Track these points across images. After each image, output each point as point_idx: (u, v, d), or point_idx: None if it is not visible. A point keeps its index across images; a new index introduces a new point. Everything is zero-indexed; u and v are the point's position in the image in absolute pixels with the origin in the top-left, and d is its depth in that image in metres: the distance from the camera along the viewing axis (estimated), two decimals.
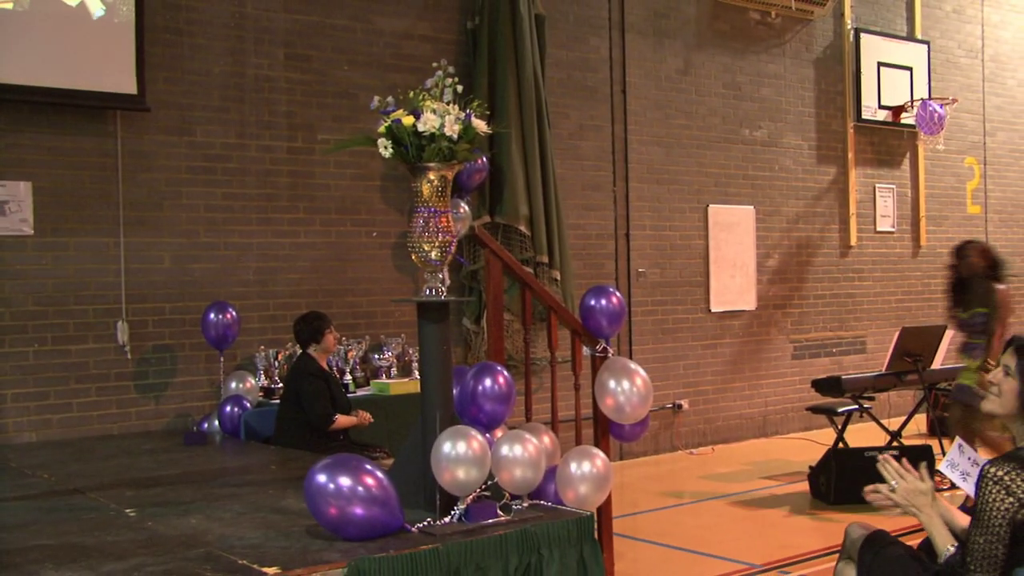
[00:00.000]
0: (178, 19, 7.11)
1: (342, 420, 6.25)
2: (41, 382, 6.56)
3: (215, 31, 7.26)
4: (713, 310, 9.96)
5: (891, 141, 11.61)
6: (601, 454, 4.44)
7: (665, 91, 9.67)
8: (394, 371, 7.54)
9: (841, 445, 7.85)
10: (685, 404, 9.70)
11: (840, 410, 8.04)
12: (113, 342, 6.80)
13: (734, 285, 10.15)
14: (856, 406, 8.04)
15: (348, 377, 7.24)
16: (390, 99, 4.14)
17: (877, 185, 11.47)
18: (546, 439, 4.69)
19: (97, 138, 6.81)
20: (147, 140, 6.98)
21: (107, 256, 6.80)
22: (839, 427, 7.98)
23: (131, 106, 6.81)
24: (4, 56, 6.32)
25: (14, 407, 6.47)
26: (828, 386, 8.13)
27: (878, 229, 11.48)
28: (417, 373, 7.30)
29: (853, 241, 11.17)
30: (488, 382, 4.38)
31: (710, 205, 9.97)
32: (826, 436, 8.85)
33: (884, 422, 8.34)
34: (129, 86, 6.75)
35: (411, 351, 7.57)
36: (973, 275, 7.13)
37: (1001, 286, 7.07)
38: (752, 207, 10.33)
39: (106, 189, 6.81)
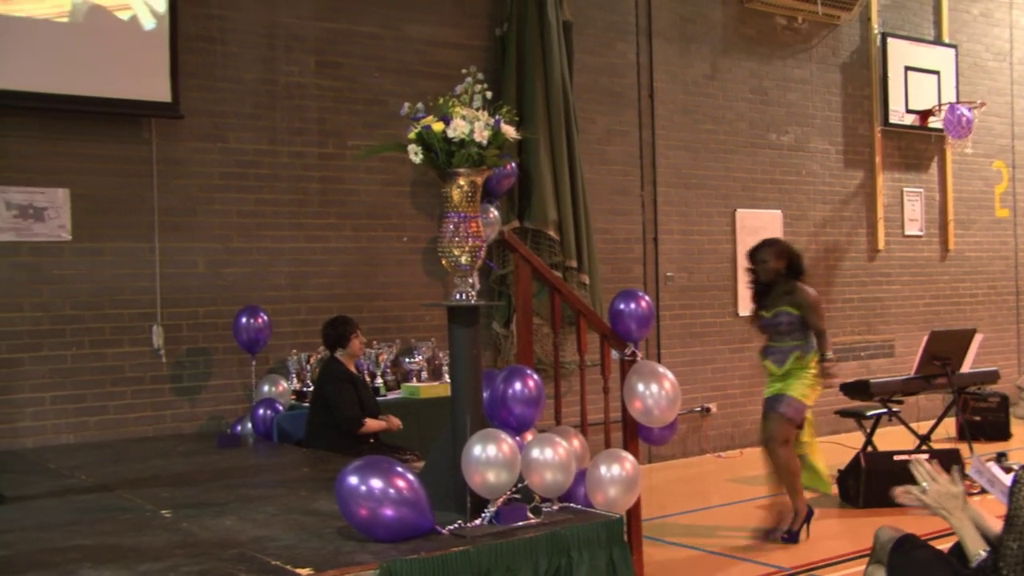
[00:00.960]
0: (211, 28, 7.16)
1: (371, 424, 6.26)
2: (78, 385, 6.62)
3: (247, 39, 7.31)
4: (741, 314, 9.91)
5: (918, 145, 11.52)
6: (630, 457, 4.43)
7: (692, 96, 9.64)
8: (424, 374, 7.56)
9: (870, 449, 7.79)
10: (713, 407, 9.66)
11: (868, 414, 7.98)
12: (148, 346, 6.86)
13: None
14: (885, 410, 7.98)
15: (379, 380, 7.26)
16: (420, 105, 4.16)
17: (905, 189, 11.38)
18: (575, 442, 4.69)
19: (133, 145, 6.87)
20: (181, 147, 7.03)
21: (142, 261, 6.86)
22: (868, 431, 7.92)
23: (165, 114, 6.86)
24: (44, 66, 6.37)
25: (52, 409, 6.53)
26: (856, 390, 8.08)
27: (906, 233, 11.39)
28: (447, 376, 7.30)
29: (881, 245, 11.09)
30: (518, 385, 4.39)
31: (738, 209, 9.93)
32: (854, 440, 8.78)
33: (913, 426, 8.27)
34: (163, 94, 6.81)
35: (441, 355, 7.59)
36: (773, 279, 6.65)
37: (809, 288, 6.65)
38: (779, 211, 10.28)
39: (141, 195, 6.87)
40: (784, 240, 7.31)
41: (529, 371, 4.51)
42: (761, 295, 6.72)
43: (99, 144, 6.76)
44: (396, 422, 6.40)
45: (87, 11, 6.57)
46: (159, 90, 6.79)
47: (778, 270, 6.63)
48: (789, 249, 6.78)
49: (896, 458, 7.11)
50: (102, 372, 6.70)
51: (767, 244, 6.80)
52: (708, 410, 9.63)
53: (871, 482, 7.14)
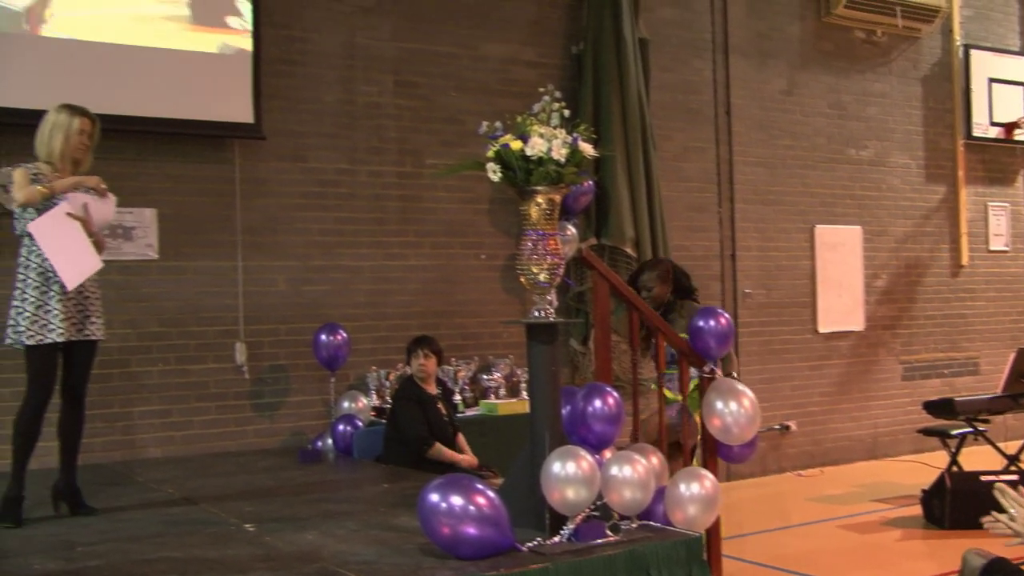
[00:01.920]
0: (292, 50, 7.29)
1: (442, 451, 6.18)
2: (164, 400, 6.76)
3: (327, 61, 7.42)
4: (820, 331, 9.77)
5: (1003, 159, 11.26)
6: (710, 475, 4.39)
7: (769, 112, 9.55)
8: (502, 391, 7.57)
9: (955, 469, 7.60)
10: (793, 425, 9.52)
11: (953, 432, 7.79)
12: (231, 362, 6.97)
13: (841, 306, 9.94)
14: (970, 429, 7.78)
15: (457, 397, 7.28)
16: (498, 124, 4.18)
17: (989, 203, 11.13)
18: (654, 460, 4.65)
19: (217, 166, 7.01)
20: (263, 167, 7.15)
21: (226, 279, 6.98)
22: (952, 450, 7.73)
23: (248, 135, 7.00)
24: (133, 90, 6.55)
25: (140, 424, 6.67)
26: (940, 408, 7.88)
27: (991, 248, 11.13)
28: (525, 393, 7.31)
29: (964, 261, 10.85)
30: (598, 403, 4.37)
31: (816, 225, 9.80)
32: (938, 459, 8.57)
33: (1000, 445, 8.05)
34: (246, 116, 6.95)
35: (519, 372, 7.59)
36: (664, 303, 6.22)
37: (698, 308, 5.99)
38: (859, 227, 10.12)
39: (225, 215, 7.00)
40: (665, 260, 6.77)
41: (609, 389, 4.50)
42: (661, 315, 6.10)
43: (185, 165, 6.91)
44: (472, 461, 6.33)
45: (177, 38, 6.73)
46: (242, 112, 6.93)
47: (665, 294, 6.24)
48: (671, 268, 6.35)
49: (983, 479, 6.92)
50: (187, 388, 6.83)
51: (648, 267, 6.36)
52: (788, 428, 9.49)
53: (957, 503, 6.96)
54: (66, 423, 4.95)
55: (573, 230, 7.44)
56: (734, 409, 4.99)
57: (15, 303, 4.75)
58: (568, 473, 3.85)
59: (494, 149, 4.08)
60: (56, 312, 4.71)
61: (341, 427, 6.69)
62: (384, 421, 6.74)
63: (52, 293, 4.72)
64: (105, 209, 4.95)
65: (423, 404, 6.27)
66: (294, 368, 7.18)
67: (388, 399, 7.10)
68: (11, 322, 4.75)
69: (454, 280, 7.83)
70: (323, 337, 6.85)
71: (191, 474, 6.05)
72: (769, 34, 9.59)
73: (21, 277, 4.77)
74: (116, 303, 6.61)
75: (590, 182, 7.75)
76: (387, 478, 5.85)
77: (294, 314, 7.19)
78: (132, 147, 6.64)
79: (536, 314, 4.17)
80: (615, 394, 4.44)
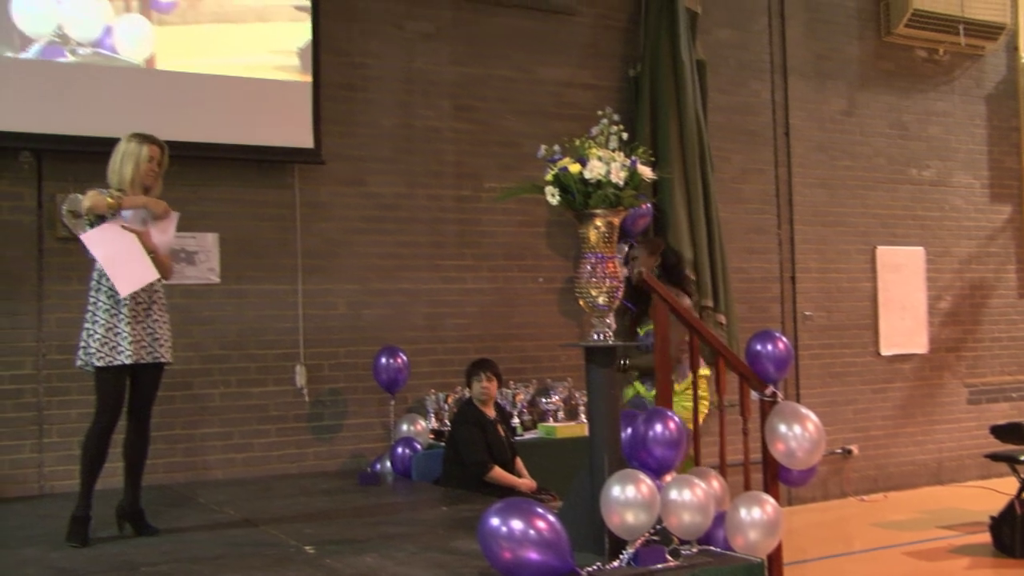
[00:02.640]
0: (352, 76, 7.37)
1: (500, 474, 6.17)
2: (226, 423, 6.83)
3: (386, 85, 7.50)
4: (883, 353, 9.62)
5: None
6: (771, 500, 4.33)
7: (829, 133, 9.46)
8: (561, 414, 7.55)
9: None
10: (855, 449, 9.37)
11: (1022, 458, 7.61)
12: (291, 385, 7.03)
13: (904, 328, 9.79)
14: None
15: (515, 420, 7.28)
16: (556, 147, 4.19)
17: None
18: (715, 483, 4.60)
19: (277, 190, 7.10)
20: (323, 191, 7.23)
21: (286, 303, 7.06)
22: (1022, 476, 7.55)
23: (308, 159, 7.08)
24: (195, 117, 6.67)
25: (202, 445, 6.75)
26: (1009, 432, 7.71)
27: None
28: (584, 416, 7.29)
29: None
30: (659, 427, 4.35)
31: (877, 247, 9.67)
32: (1007, 485, 8.37)
33: None
34: (307, 140, 7.03)
35: (577, 394, 7.57)
36: (643, 282, 5.54)
37: (683, 298, 5.66)
38: (921, 248, 9.96)
39: (285, 239, 7.08)
40: (659, 239, 6.15)
41: (670, 413, 4.47)
42: (638, 307, 5.78)
43: (246, 190, 7.01)
44: (531, 484, 6.31)
45: (238, 65, 6.85)
46: (303, 137, 7.02)
47: (650, 267, 5.68)
48: (663, 245, 5.84)
49: None
50: (248, 410, 6.90)
51: (643, 240, 5.84)
52: (850, 452, 9.35)
53: None
54: (131, 444, 5.03)
55: None
56: (798, 433, 4.92)
57: (86, 325, 4.86)
58: (627, 497, 3.83)
59: (552, 172, 4.09)
60: (125, 334, 4.80)
61: (400, 450, 6.71)
62: (443, 444, 6.75)
63: (122, 316, 4.81)
64: (165, 236, 5.04)
65: (483, 427, 6.28)
66: (353, 391, 7.22)
67: (447, 422, 7.11)
68: (82, 344, 4.85)
69: (512, 303, 7.84)
70: (383, 360, 6.88)
71: (252, 496, 6.10)
72: (828, 54, 9.51)
73: (92, 300, 4.87)
74: (179, 326, 6.68)
75: (648, 204, 7.76)
76: (446, 501, 5.85)
77: (353, 337, 7.24)
78: (194, 172, 6.75)
79: (595, 337, 4.16)
80: (676, 419, 4.41)
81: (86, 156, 6.25)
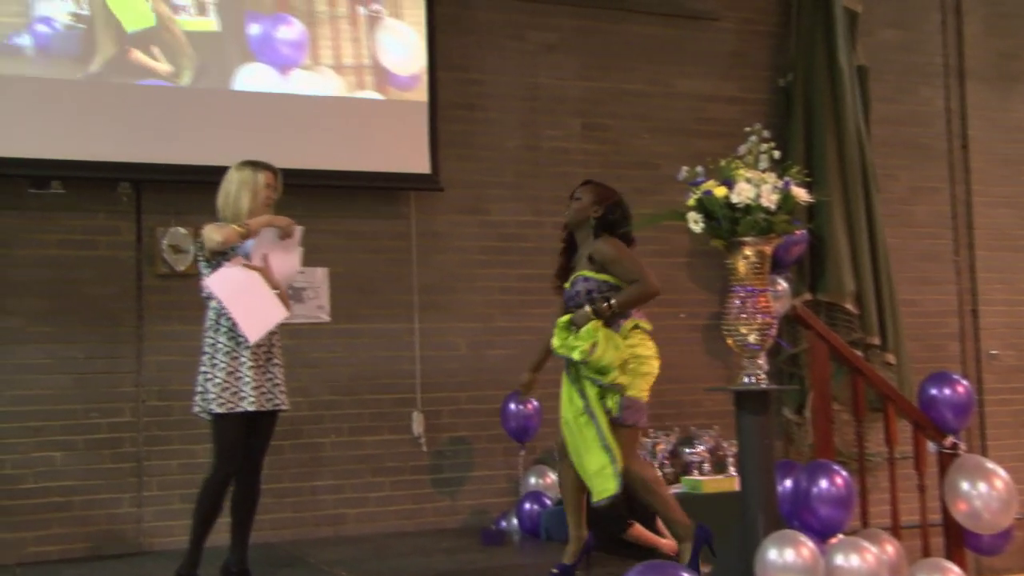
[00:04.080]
0: (470, 94, 7.49)
1: (642, 533, 6.10)
2: (338, 474, 6.95)
3: (508, 104, 7.59)
4: None
5: None
6: (955, 569, 4.21)
7: (1016, 144, 9.19)
8: (706, 467, 7.45)
9: None
10: None
11: None
12: (408, 433, 7.12)
13: None
14: None
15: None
16: (699, 169, 4.20)
17: None
18: (888, 548, 4.50)
19: (391, 220, 7.23)
20: (440, 220, 7.34)
21: (401, 343, 7.16)
22: None
23: (425, 186, 7.19)
24: (301, 141, 6.83)
25: (311, 500, 6.88)
26: None
27: None
28: (733, 469, 7.19)
29: None
30: (824, 483, 4.29)
31: None
32: None
33: None
34: (423, 166, 7.14)
35: (725, 444, 7.47)
36: (581, 223, 5.18)
37: (610, 239, 5.09)
38: None
39: (400, 273, 7.20)
40: (612, 189, 5.48)
41: (836, 467, 4.40)
42: (569, 257, 5.36)
43: (358, 220, 7.17)
44: (674, 546, 6.20)
45: (346, 85, 7.04)
46: (418, 162, 7.13)
47: (588, 213, 5.19)
48: (614, 196, 5.28)
49: None
50: (361, 461, 7.00)
51: (596, 184, 5.37)
52: None
53: None
54: (241, 498, 5.15)
55: (785, 285, 7.36)
56: (984, 491, 4.79)
57: (203, 369, 5.00)
58: (786, 562, 3.78)
59: (695, 197, 4.11)
60: (247, 379, 4.96)
61: (528, 505, 6.72)
62: None
63: (243, 359, 4.97)
64: (290, 262, 5.20)
65: None
66: (476, 440, 7.28)
67: None
68: (199, 389, 5.00)
69: None
70: (512, 406, 6.91)
71: (365, 555, 6.18)
72: (1015, 53, 9.26)
73: (210, 341, 5.02)
74: (287, 369, 6.83)
75: (803, 231, 7.66)
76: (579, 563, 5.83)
77: (476, 380, 7.30)
78: (301, 202, 6.88)
79: (746, 380, 4.14)
80: (843, 473, 4.34)
81: (187, 186, 6.49)
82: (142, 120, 6.55)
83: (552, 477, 7.01)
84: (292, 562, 6.02)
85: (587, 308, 4.83)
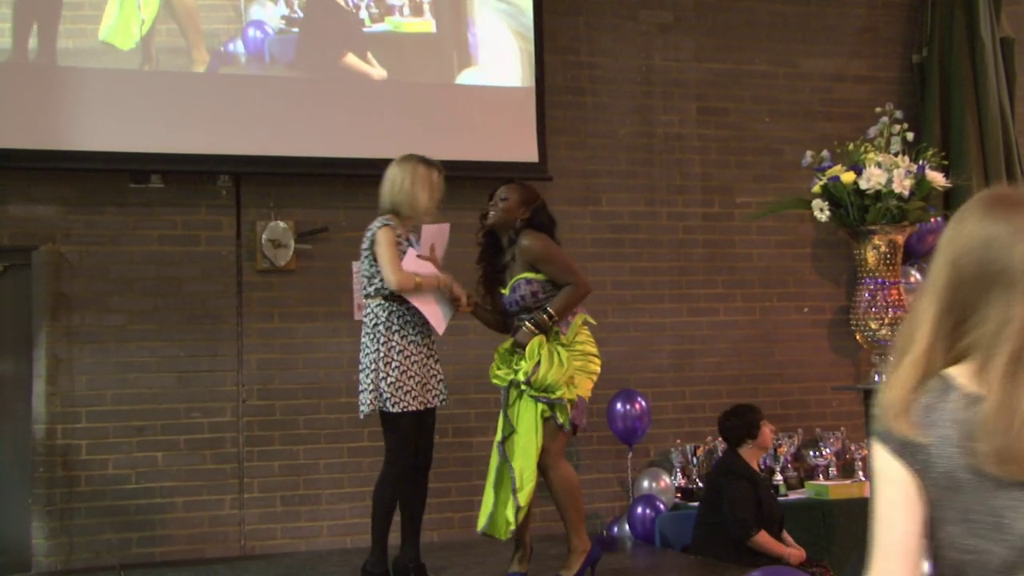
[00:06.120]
0: (580, 78, 7.48)
1: (767, 541, 6.05)
2: (443, 477, 6.94)
3: (620, 88, 7.56)
4: None
5: None
6: None
7: None
8: (833, 471, 7.36)
9: None
10: None
11: None
12: None
13: None
14: None
15: (778, 477, 7.15)
16: (825, 153, 4.14)
17: None
18: None
19: None
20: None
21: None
22: None
23: (533, 175, 7.15)
24: (406, 130, 6.84)
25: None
26: None
27: None
28: (863, 474, 7.09)
29: None
30: None
31: None
32: None
33: None
34: (530, 154, 7.16)
35: (854, 447, 7.37)
36: (507, 225, 5.34)
37: (535, 234, 5.27)
38: None
39: None
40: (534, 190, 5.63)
41: None
42: (491, 262, 5.52)
43: (462, 212, 7.17)
44: (800, 555, 6.13)
45: (450, 71, 7.08)
46: (526, 150, 7.15)
47: (515, 214, 5.32)
48: (538, 199, 5.42)
49: None
50: (467, 463, 7.05)
51: (519, 185, 5.50)
52: None
53: None
54: (412, 493, 5.42)
55: (919, 277, 7.19)
56: None
57: (374, 368, 5.20)
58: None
59: (821, 183, 4.05)
60: (419, 377, 5.24)
61: (640, 510, 6.71)
62: (691, 504, 6.70)
63: (415, 357, 5.25)
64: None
65: (755, 484, 6.17)
66: (586, 441, 7.27)
67: (696, 478, 7.06)
68: (369, 387, 5.22)
69: (772, 338, 7.72)
70: (619, 406, 6.91)
71: (471, 562, 6.22)
72: None
73: (383, 340, 5.22)
74: None
75: (940, 219, 7.48)
76: (694, 571, 5.80)
77: None
78: None
79: (876, 378, 4.06)
80: None
81: (289, 179, 6.60)
82: (242, 110, 6.68)
83: (667, 480, 6.98)
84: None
85: (527, 325, 5.11)
